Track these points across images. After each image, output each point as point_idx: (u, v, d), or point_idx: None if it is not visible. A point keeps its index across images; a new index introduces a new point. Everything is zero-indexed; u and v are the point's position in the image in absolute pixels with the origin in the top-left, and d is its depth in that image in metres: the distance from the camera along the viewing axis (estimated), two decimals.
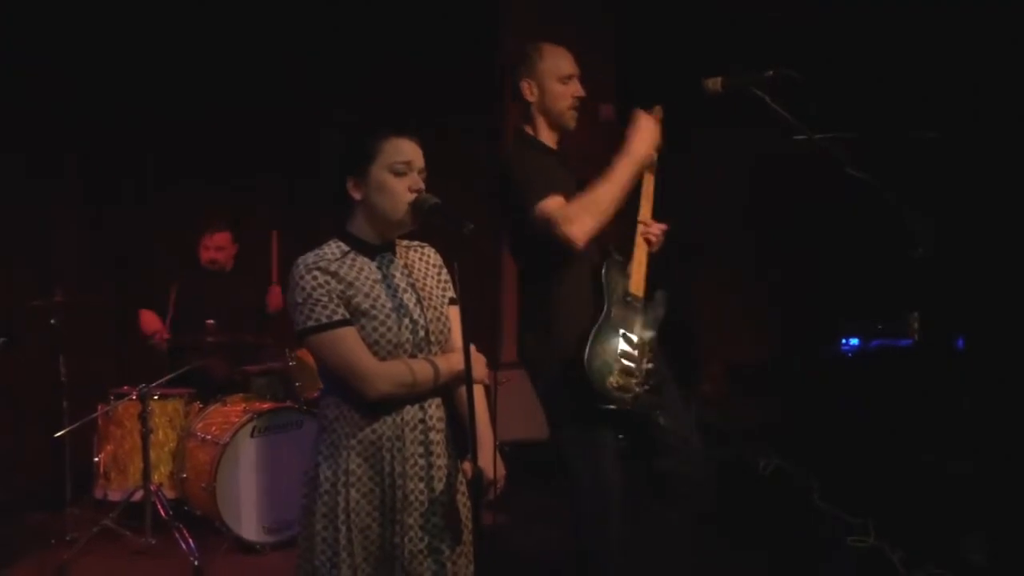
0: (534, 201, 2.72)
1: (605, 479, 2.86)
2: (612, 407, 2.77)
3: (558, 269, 2.82)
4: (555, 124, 2.93)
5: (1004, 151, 4.30)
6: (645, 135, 2.84)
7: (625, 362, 2.79)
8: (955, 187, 4.31)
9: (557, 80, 2.88)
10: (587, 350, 2.74)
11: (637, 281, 2.93)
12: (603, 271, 2.87)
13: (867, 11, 4.74)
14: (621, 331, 2.81)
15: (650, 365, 2.84)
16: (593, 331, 2.76)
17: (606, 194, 2.75)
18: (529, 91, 2.89)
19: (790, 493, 4.54)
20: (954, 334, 4.36)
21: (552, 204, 2.71)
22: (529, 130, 2.95)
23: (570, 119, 2.93)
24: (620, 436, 2.91)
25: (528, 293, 2.94)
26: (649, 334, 2.90)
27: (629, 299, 2.88)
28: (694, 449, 2.99)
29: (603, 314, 2.80)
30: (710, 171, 5.70)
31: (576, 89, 2.92)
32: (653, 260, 2.99)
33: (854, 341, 5.03)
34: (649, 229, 2.96)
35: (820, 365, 5.13)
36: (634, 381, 2.80)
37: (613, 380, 2.77)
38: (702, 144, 5.15)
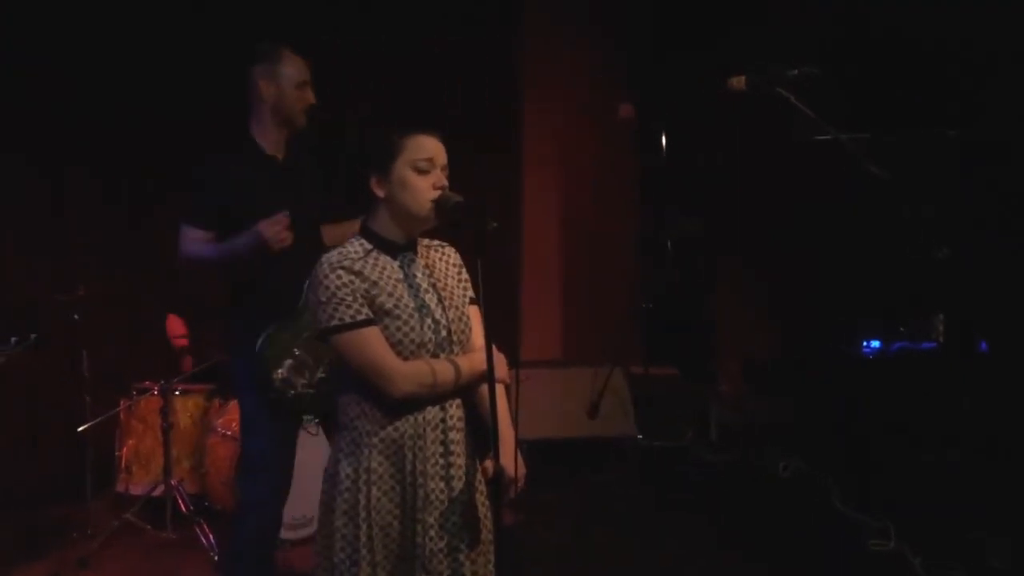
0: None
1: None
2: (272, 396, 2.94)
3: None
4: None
5: None
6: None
7: (297, 361, 2.93)
8: (977, 186, 4.27)
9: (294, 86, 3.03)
10: (263, 338, 2.90)
11: None
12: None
13: (891, 8, 4.70)
14: (305, 333, 2.89)
15: (324, 376, 2.96)
16: (276, 325, 2.92)
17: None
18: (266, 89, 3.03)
19: (810, 496, 4.52)
20: (978, 337, 4.33)
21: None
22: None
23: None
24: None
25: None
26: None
27: None
28: None
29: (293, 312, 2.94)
30: (732, 170, 5.68)
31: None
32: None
33: (875, 343, 5.00)
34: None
35: (840, 366, 5.10)
36: (302, 381, 2.93)
37: (282, 372, 2.92)
38: (724, 143, 5.13)
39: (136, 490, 4.49)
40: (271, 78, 3.00)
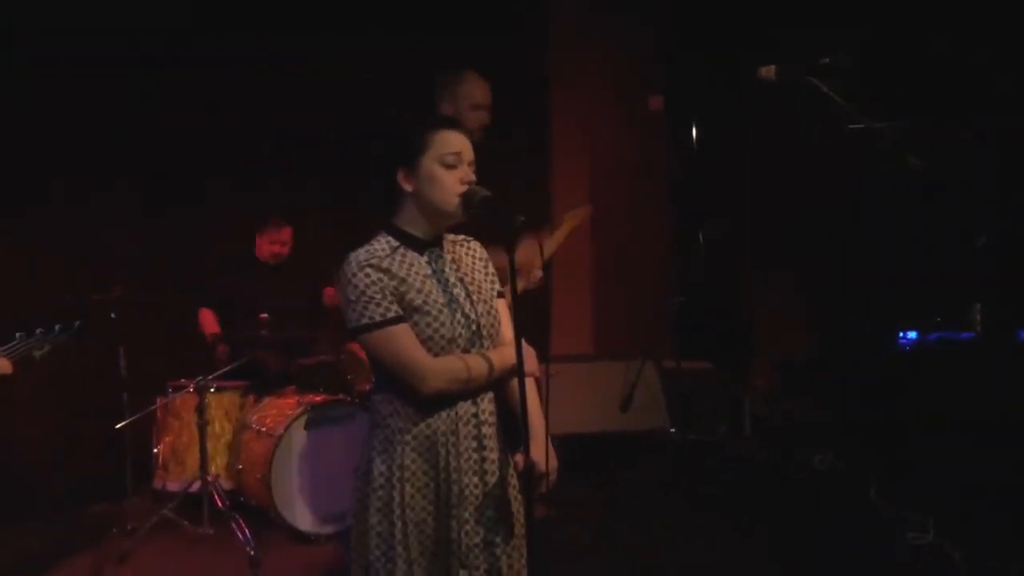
0: None
1: None
2: None
3: None
4: None
5: None
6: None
7: None
8: (1014, 176, 4.19)
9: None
10: None
11: None
12: None
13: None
14: None
15: None
16: None
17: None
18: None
19: (846, 490, 4.46)
20: (1016, 325, 4.24)
21: None
22: None
23: None
24: None
25: None
26: None
27: None
28: None
29: None
30: (762, 166, 5.63)
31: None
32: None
33: (912, 334, 4.92)
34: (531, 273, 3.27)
35: (877, 358, 5.03)
36: None
37: None
38: (753, 139, 5.08)
39: (173, 486, 4.55)
40: (450, 98, 3.17)
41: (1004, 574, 3.46)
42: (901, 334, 4.92)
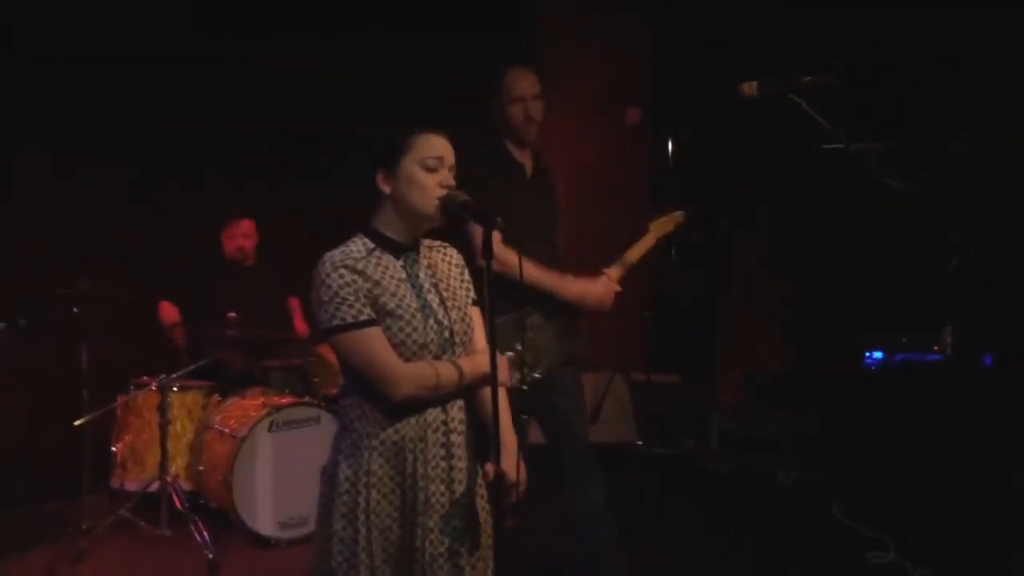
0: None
1: None
2: None
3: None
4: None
5: None
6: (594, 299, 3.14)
7: (515, 356, 2.97)
8: (990, 197, 4.25)
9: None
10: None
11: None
12: None
13: (903, 18, 4.68)
14: (530, 333, 2.98)
15: (539, 376, 2.99)
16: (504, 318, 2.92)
17: (538, 283, 3.01)
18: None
19: (810, 505, 4.49)
20: (985, 350, 4.30)
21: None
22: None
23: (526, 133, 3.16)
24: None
25: None
26: (554, 351, 3.06)
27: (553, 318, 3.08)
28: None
29: (522, 311, 2.98)
30: (736, 178, 5.66)
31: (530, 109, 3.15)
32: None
33: (877, 354, 4.96)
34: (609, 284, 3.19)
35: (842, 377, 5.07)
36: (516, 376, 2.92)
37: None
38: (732, 150, 5.11)
39: (131, 486, 4.46)
40: (495, 95, 3.16)
41: None
42: (868, 354, 4.96)
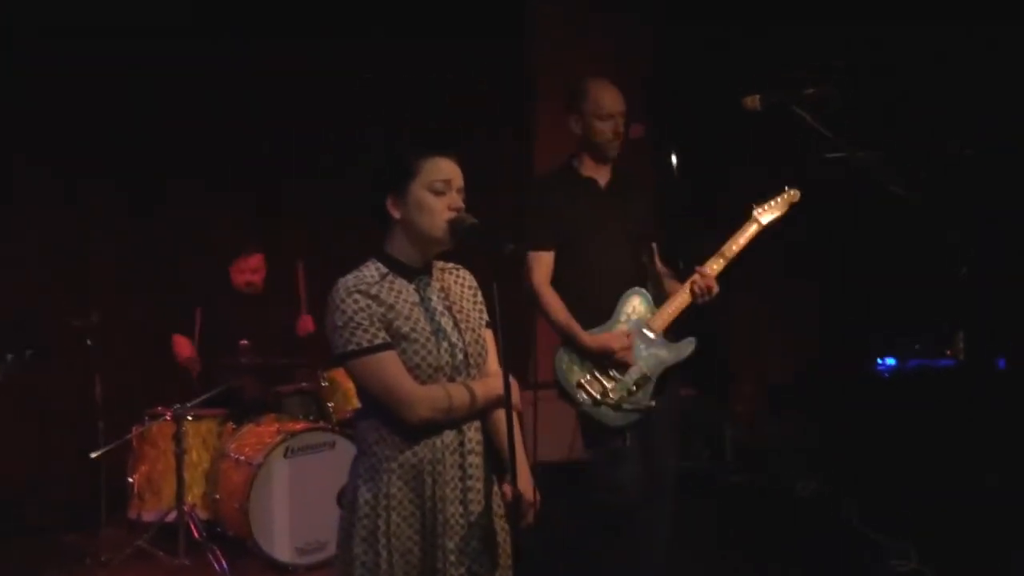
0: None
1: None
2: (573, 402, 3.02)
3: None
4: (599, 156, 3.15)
5: None
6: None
7: (603, 374, 3.00)
8: (992, 204, 4.24)
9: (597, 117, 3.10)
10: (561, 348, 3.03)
11: (662, 321, 3.10)
12: (623, 295, 3.11)
13: (903, 26, 4.69)
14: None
15: (639, 393, 3.01)
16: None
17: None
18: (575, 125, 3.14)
19: (829, 515, 4.46)
20: (998, 354, 4.28)
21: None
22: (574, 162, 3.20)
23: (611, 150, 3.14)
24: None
25: None
26: (654, 370, 3.05)
27: (645, 331, 3.08)
28: (654, 505, 3.17)
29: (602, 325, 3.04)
30: (746, 189, 5.65)
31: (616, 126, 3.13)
32: (689, 308, 3.14)
33: (890, 361, 4.95)
34: (702, 281, 3.08)
35: (856, 385, 5.05)
36: (611, 396, 2.98)
37: (580, 379, 3.01)
38: (738, 160, 5.10)
39: (148, 516, 4.46)
40: (577, 113, 3.12)
41: None
42: (880, 361, 4.94)
